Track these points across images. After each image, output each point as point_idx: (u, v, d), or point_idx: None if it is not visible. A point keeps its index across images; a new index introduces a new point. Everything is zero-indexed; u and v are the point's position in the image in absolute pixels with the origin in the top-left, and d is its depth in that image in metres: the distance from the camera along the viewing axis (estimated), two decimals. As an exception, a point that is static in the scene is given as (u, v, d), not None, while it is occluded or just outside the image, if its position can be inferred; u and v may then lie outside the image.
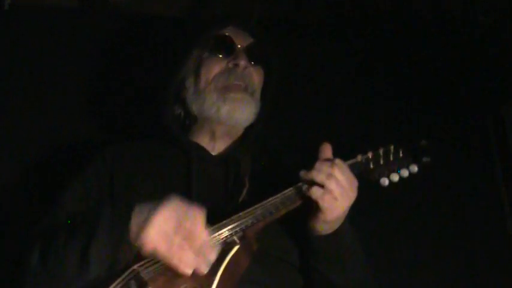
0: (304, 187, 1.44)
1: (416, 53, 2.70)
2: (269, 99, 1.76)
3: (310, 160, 1.46)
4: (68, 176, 1.70)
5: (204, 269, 1.29)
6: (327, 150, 1.45)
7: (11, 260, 1.72)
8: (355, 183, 1.43)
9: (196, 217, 1.28)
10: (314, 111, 2.55)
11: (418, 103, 2.68)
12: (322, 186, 1.39)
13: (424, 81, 2.70)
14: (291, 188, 1.45)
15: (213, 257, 1.31)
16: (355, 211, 1.51)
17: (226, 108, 1.63)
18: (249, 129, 1.75)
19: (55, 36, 2.38)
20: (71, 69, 2.37)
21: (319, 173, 1.39)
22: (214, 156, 1.70)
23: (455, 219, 2.55)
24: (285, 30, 2.57)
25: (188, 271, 1.28)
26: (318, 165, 1.41)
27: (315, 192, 1.39)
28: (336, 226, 1.46)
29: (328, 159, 1.43)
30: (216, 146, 1.72)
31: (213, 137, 1.72)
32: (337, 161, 1.41)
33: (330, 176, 1.38)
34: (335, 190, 1.38)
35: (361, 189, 1.47)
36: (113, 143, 1.77)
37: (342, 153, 1.48)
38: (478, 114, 2.75)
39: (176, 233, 1.26)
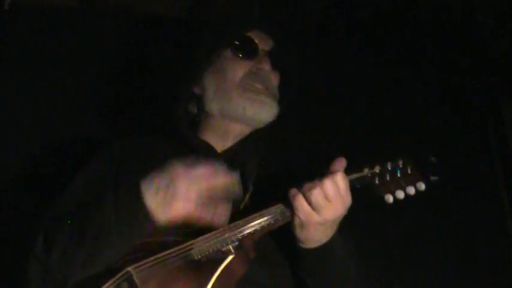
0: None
1: (416, 53, 2.71)
2: (285, 103, 1.77)
3: (318, 168, 1.43)
4: (74, 172, 1.70)
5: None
6: (337, 164, 1.42)
7: (11, 257, 1.73)
8: (347, 200, 1.38)
9: (208, 173, 1.34)
10: (323, 117, 2.55)
11: (418, 103, 2.68)
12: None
13: (424, 82, 2.70)
14: (285, 201, 1.42)
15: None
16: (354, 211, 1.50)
17: (253, 110, 1.65)
18: (256, 130, 1.75)
19: (55, 36, 2.38)
20: (71, 69, 2.37)
21: (290, 192, 1.39)
22: (221, 153, 1.71)
23: (455, 219, 2.55)
24: (286, 30, 2.57)
25: (225, 221, 1.37)
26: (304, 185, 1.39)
27: (291, 193, 1.39)
28: (318, 237, 1.43)
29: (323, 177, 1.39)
30: (225, 146, 1.73)
31: (225, 136, 1.73)
32: (338, 174, 1.37)
33: (303, 197, 1.36)
34: (315, 199, 1.35)
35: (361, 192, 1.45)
36: (119, 138, 1.77)
37: (349, 162, 1.43)
38: (479, 114, 2.75)
39: (201, 195, 1.33)
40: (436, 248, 2.50)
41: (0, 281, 1.89)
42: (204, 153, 1.67)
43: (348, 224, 1.49)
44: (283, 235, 1.53)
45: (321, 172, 1.41)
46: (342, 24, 2.67)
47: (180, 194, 1.32)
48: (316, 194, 1.34)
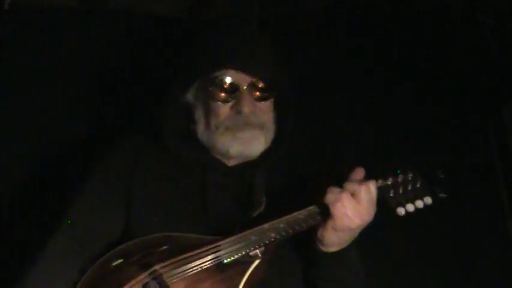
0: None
1: (416, 53, 2.71)
2: (288, 125, 1.73)
3: (329, 175, 1.50)
4: (73, 173, 1.70)
5: None
6: (357, 174, 1.47)
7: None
8: (373, 208, 1.44)
9: None
10: (323, 118, 2.56)
11: (418, 103, 2.68)
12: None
13: (424, 82, 2.70)
14: (314, 206, 1.46)
15: None
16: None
17: (237, 148, 1.63)
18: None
19: (55, 36, 2.38)
20: (71, 69, 2.37)
21: (327, 196, 1.43)
22: (230, 167, 1.70)
23: (455, 220, 2.55)
24: (286, 30, 2.57)
25: None
26: (329, 188, 1.44)
27: (328, 198, 1.42)
28: (342, 241, 1.47)
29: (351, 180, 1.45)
30: (233, 163, 1.72)
31: (228, 159, 1.72)
32: (371, 182, 1.44)
33: (336, 200, 1.41)
34: (338, 213, 1.40)
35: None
36: (132, 135, 1.76)
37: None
38: (478, 114, 2.75)
39: None
40: (435, 248, 2.50)
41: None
42: (212, 165, 1.67)
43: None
44: (293, 240, 1.55)
45: (334, 179, 1.46)
46: (343, 24, 2.67)
47: None
48: (353, 201, 1.40)
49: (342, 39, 2.68)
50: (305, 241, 1.52)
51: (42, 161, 2.23)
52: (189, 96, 1.72)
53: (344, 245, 1.48)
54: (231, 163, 1.70)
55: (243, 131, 1.62)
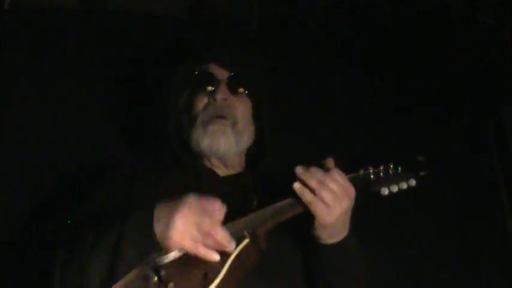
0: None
1: (416, 53, 2.71)
2: (266, 125, 1.82)
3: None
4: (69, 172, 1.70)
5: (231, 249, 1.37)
6: (328, 163, 1.49)
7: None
8: (351, 191, 1.46)
9: (214, 214, 1.35)
10: (322, 119, 2.57)
11: (418, 103, 2.68)
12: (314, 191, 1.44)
13: (424, 81, 2.70)
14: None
15: (233, 245, 1.36)
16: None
17: (206, 141, 1.71)
18: (252, 156, 1.83)
19: (55, 36, 2.38)
20: (70, 69, 2.37)
21: (312, 178, 1.44)
22: (223, 177, 1.76)
23: (455, 219, 2.55)
24: (286, 30, 2.57)
25: (216, 258, 1.36)
26: (313, 170, 1.45)
27: (306, 195, 1.44)
28: (336, 234, 1.50)
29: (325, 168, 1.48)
30: (226, 172, 1.78)
31: (219, 167, 1.78)
32: (334, 170, 1.46)
33: (320, 182, 1.43)
34: (326, 197, 1.42)
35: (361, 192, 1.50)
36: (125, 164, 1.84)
37: (349, 163, 1.53)
38: (478, 114, 2.75)
39: (198, 230, 1.34)
40: (436, 248, 2.50)
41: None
42: (206, 176, 1.72)
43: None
44: (293, 233, 1.57)
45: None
46: (343, 24, 2.67)
47: (177, 226, 1.34)
48: (325, 194, 1.42)
49: (342, 39, 2.68)
50: (303, 238, 1.55)
51: (40, 161, 2.22)
52: (182, 100, 1.83)
53: (341, 229, 1.50)
54: (221, 173, 1.76)
55: (213, 124, 1.71)
